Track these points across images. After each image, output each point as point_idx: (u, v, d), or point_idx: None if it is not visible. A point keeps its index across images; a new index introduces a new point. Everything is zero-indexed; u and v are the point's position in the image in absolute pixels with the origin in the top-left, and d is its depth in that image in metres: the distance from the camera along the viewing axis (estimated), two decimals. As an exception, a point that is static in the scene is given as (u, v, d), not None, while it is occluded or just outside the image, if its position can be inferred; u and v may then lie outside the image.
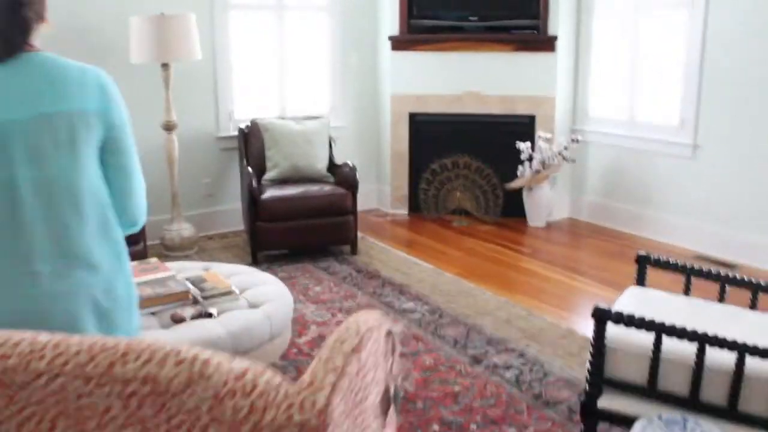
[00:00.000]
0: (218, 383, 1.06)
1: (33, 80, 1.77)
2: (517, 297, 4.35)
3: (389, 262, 5.00)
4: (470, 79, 5.97)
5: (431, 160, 6.03)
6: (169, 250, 5.25)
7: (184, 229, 5.28)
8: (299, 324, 3.98)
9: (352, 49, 6.17)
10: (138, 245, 4.62)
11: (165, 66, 5.01)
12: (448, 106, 6.04)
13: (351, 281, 4.64)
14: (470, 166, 5.94)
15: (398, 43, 5.99)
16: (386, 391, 1.54)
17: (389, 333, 1.54)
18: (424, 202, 6.08)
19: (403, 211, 6.27)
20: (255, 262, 5.02)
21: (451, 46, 5.95)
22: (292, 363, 3.55)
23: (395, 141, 6.23)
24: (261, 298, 3.22)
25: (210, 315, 3.04)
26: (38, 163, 1.72)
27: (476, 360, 3.52)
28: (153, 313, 3.06)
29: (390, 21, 6.05)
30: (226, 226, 5.75)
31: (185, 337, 2.80)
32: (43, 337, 1.18)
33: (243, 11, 5.74)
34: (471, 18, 5.91)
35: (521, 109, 5.93)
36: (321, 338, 3.78)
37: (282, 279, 4.66)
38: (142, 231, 4.65)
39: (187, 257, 5.17)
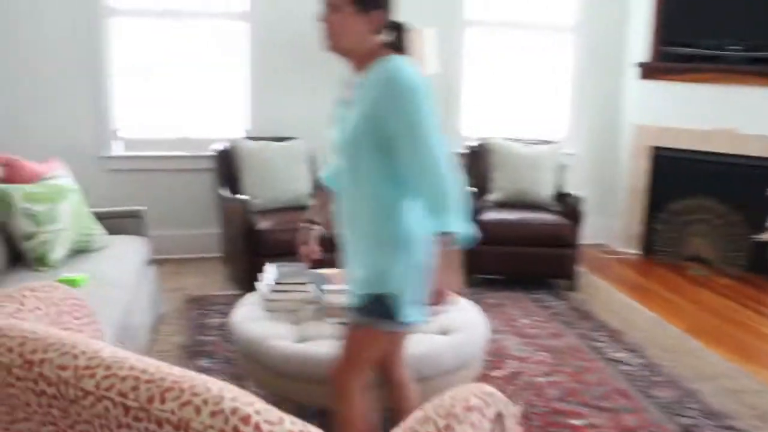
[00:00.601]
0: None
1: None
2: (752, 367, 3.79)
3: (609, 303, 4.61)
4: (725, 114, 5.37)
5: (671, 199, 5.51)
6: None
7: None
8: (497, 356, 3.76)
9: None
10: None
11: (400, 79, 5.03)
12: (696, 142, 5.48)
13: (562, 318, 4.33)
14: (715, 211, 5.33)
15: (647, 71, 5.55)
16: None
17: (499, 416, 1.30)
18: (658, 244, 5.56)
19: (633, 251, 5.79)
20: (467, 284, 4.88)
21: (707, 77, 5.39)
22: (481, 397, 3.34)
23: (632, 174, 5.78)
24: (453, 325, 3.06)
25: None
26: None
27: None
28: (343, 323, 3.02)
29: (638, 46, 5.63)
30: (444, 244, 5.64)
31: (369, 354, 2.71)
32: (104, 351, 1.11)
33: (481, 27, 5.63)
34: (732, 47, 5.31)
35: (784, 153, 5.23)
36: (516, 375, 3.54)
37: (489, 306, 4.48)
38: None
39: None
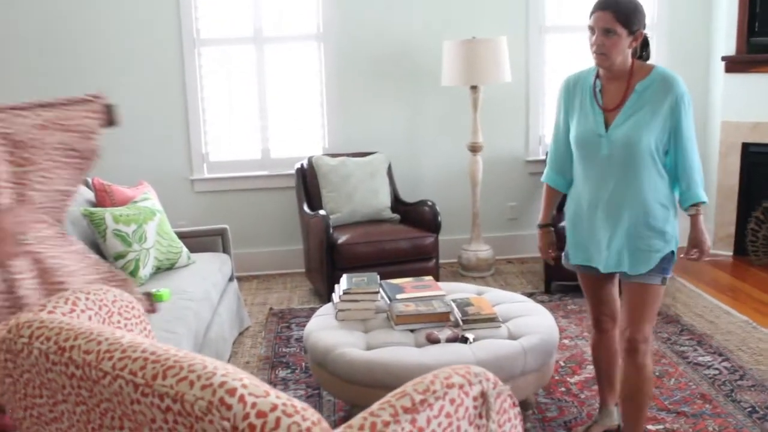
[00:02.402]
0: (238, 415, 0.99)
1: None
2: None
3: (695, 307, 4.46)
4: (820, 105, 5.12)
5: (765, 198, 5.28)
6: (466, 270, 5.28)
7: (482, 251, 5.27)
8: (576, 362, 3.72)
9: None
10: (430, 262, 4.71)
11: (474, 88, 5.06)
12: (791, 136, 5.24)
13: (646, 323, 4.21)
14: (813, 207, 5.08)
15: (732, 65, 5.35)
16: None
17: (483, 394, 1.31)
18: (753, 245, 5.32)
19: (726, 253, 5.56)
20: (548, 291, 4.83)
21: (799, 68, 5.16)
22: (556, 402, 3.32)
23: (723, 173, 5.56)
24: (524, 329, 3.06)
25: (466, 340, 2.97)
26: None
27: (774, 436, 2.96)
28: (411, 330, 3.08)
29: (725, 39, 5.43)
30: (527, 251, 5.61)
31: (434, 359, 2.76)
32: (125, 338, 1.22)
33: (558, 34, 5.58)
34: (826, 34, 5.06)
35: None
36: (594, 380, 3.48)
37: (570, 312, 4.43)
38: (436, 247, 4.74)
39: (482, 278, 5.16)
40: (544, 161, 5.38)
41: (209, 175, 5.43)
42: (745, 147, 5.44)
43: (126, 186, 4.10)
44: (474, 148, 5.18)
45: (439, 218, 4.82)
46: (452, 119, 5.43)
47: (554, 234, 2.94)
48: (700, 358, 3.71)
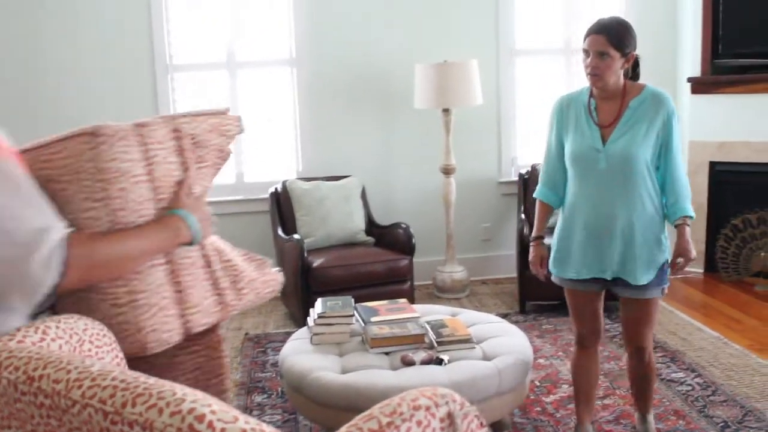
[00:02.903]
0: None
1: None
2: (820, 382, 3.65)
3: (668, 324, 4.51)
4: (784, 124, 5.24)
5: (733, 215, 5.37)
6: (441, 292, 5.31)
7: (456, 272, 5.31)
8: (551, 381, 3.74)
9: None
10: (405, 284, 4.73)
11: (446, 111, 5.12)
12: (757, 155, 5.35)
13: (619, 341, 4.25)
14: (780, 224, 5.18)
15: (698, 86, 5.47)
16: None
17: (449, 415, 1.33)
18: (723, 262, 5.41)
19: (697, 270, 5.64)
20: (522, 311, 4.87)
21: (763, 88, 5.27)
22: (532, 422, 3.34)
23: (693, 192, 5.51)
24: (498, 350, 3.08)
25: (441, 361, 2.98)
26: None
27: (746, 450, 3.00)
28: (386, 353, 3.09)
29: (691, 61, 5.56)
30: (502, 271, 5.65)
31: (409, 382, 2.76)
32: (94, 366, 1.23)
33: (528, 57, 5.68)
34: (786, 55, 5.20)
35: None
36: (569, 399, 3.51)
37: (545, 331, 4.47)
38: (410, 270, 4.77)
39: (457, 300, 5.19)
40: (516, 182, 5.48)
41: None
42: (713, 166, 5.54)
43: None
44: (447, 171, 5.23)
45: (414, 240, 4.85)
46: (425, 142, 5.48)
47: (546, 248, 2.97)
48: (674, 375, 3.75)
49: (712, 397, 3.49)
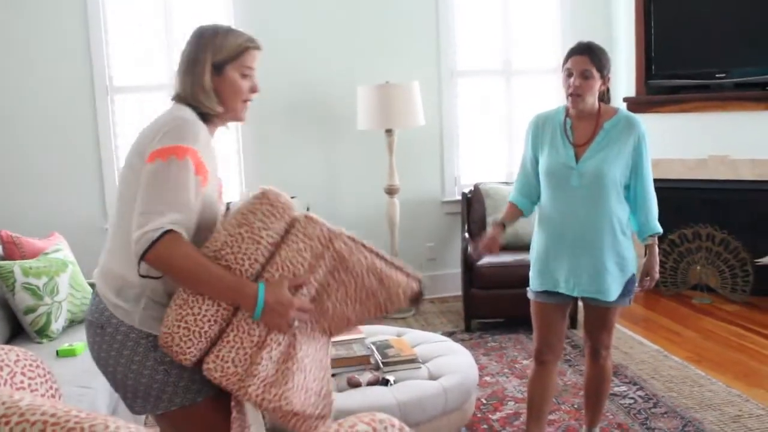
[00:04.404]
0: None
1: None
2: (756, 392, 3.75)
3: (610, 339, 4.59)
4: (716, 142, 5.42)
5: (670, 230, 5.51)
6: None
7: (402, 292, 5.30)
8: (497, 398, 3.77)
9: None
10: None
11: (389, 132, 5.16)
12: (691, 171, 5.52)
13: (563, 358, 4.32)
14: (714, 238, 5.33)
15: (634, 105, 5.62)
16: None
17: None
18: (661, 276, 5.53)
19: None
20: (468, 329, 4.90)
21: (695, 107, 5.46)
22: (479, 440, 3.35)
23: (630, 208, 5.78)
24: (444, 369, 3.10)
25: (387, 382, 2.98)
26: None
27: (687, 461, 3.06)
28: (333, 375, 3.06)
29: (626, 81, 5.72)
30: (448, 290, 5.69)
31: (356, 403, 2.75)
32: (24, 401, 1.20)
33: (469, 78, 5.76)
34: (718, 75, 5.39)
35: (777, 176, 5.24)
36: (515, 416, 3.54)
37: (491, 349, 4.50)
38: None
39: (403, 319, 5.19)
40: (459, 202, 5.53)
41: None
42: (649, 183, 5.68)
43: (36, 238, 3.97)
44: (390, 191, 5.26)
45: (359, 261, 4.84)
46: (368, 163, 5.50)
47: (503, 234, 2.97)
48: (617, 388, 3.82)
49: (653, 410, 3.57)
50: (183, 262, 1.81)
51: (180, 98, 2.04)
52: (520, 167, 3.05)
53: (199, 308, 1.86)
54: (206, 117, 2.04)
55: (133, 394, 1.97)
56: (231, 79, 2.06)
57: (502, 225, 3.00)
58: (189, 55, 2.05)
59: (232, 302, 1.90)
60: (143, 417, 3.72)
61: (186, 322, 1.84)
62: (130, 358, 1.92)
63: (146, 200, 1.83)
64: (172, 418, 1.98)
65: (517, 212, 3.04)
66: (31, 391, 1.43)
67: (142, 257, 1.79)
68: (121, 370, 1.94)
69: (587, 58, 2.76)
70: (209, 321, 1.87)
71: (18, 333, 3.54)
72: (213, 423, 2.00)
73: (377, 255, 2.07)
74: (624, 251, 2.84)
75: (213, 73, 2.03)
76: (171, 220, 1.81)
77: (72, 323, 3.66)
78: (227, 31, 2.08)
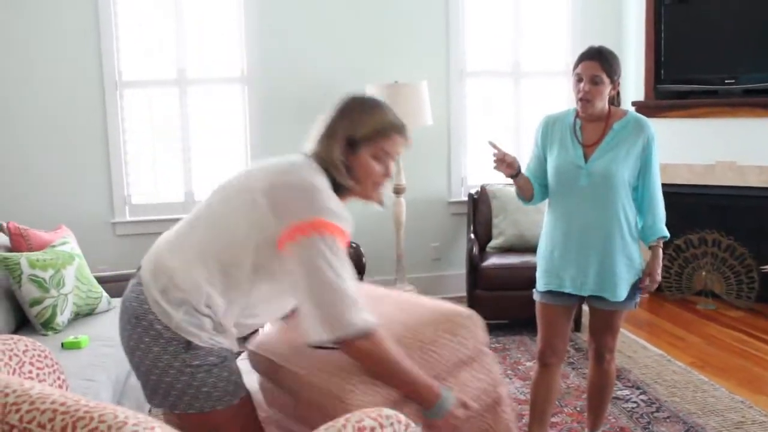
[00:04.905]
0: None
1: None
2: (759, 398, 3.75)
3: (613, 342, 4.59)
4: (724, 148, 5.42)
5: (676, 236, 5.49)
6: (391, 311, 5.31)
7: (407, 291, 5.32)
8: (500, 400, 3.76)
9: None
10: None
11: (397, 131, 5.15)
12: (698, 177, 5.51)
13: (566, 361, 4.32)
14: (720, 244, 5.33)
15: (642, 110, 5.59)
16: None
17: None
18: (666, 281, 5.54)
19: (642, 289, 5.76)
20: (472, 330, 4.90)
21: (703, 112, 5.46)
22: (481, 441, 3.35)
23: (637, 213, 5.78)
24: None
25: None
26: None
27: (689, 466, 3.06)
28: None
29: (635, 86, 5.71)
30: (452, 291, 5.68)
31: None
32: (34, 389, 1.20)
33: (478, 78, 5.77)
34: (727, 81, 5.39)
35: (785, 183, 5.24)
36: (519, 418, 3.54)
37: (494, 350, 4.48)
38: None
39: (407, 319, 5.19)
40: (465, 203, 5.54)
41: (131, 218, 5.34)
42: (656, 187, 5.67)
43: (44, 230, 3.99)
44: (397, 190, 5.26)
45: (364, 260, 4.85)
46: (376, 162, 5.50)
47: (520, 175, 2.93)
48: (619, 392, 3.81)
49: (656, 414, 3.56)
50: (384, 359, 1.88)
51: (316, 157, 2.02)
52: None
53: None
54: (339, 187, 2.01)
55: (153, 389, 1.97)
56: (363, 160, 2.00)
57: (520, 169, 2.92)
58: (328, 121, 2.03)
59: (413, 397, 1.96)
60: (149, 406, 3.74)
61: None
62: (158, 355, 1.92)
63: (324, 284, 1.83)
64: (188, 420, 1.97)
65: (529, 182, 2.97)
66: (39, 381, 1.44)
67: (340, 341, 1.85)
68: (147, 364, 1.94)
69: (597, 63, 2.76)
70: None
71: (23, 325, 3.56)
72: None
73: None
74: (632, 253, 2.85)
75: (347, 147, 1.99)
76: (367, 316, 1.86)
77: (77, 316, 3.68)
78: (373, 108, 2.03)
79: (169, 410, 1.99)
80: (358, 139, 1.98)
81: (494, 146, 2.91)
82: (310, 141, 2.06)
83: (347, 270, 1.88)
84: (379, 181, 2.03)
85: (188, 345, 1.91)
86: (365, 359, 1.89)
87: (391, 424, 1.34)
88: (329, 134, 2.00)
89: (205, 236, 1.98)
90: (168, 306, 1.92)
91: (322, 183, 1.94)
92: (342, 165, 1.97)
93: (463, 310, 2.17)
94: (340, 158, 1.97)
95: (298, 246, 1.84)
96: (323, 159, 2.00)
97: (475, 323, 2.14)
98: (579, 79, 2.79)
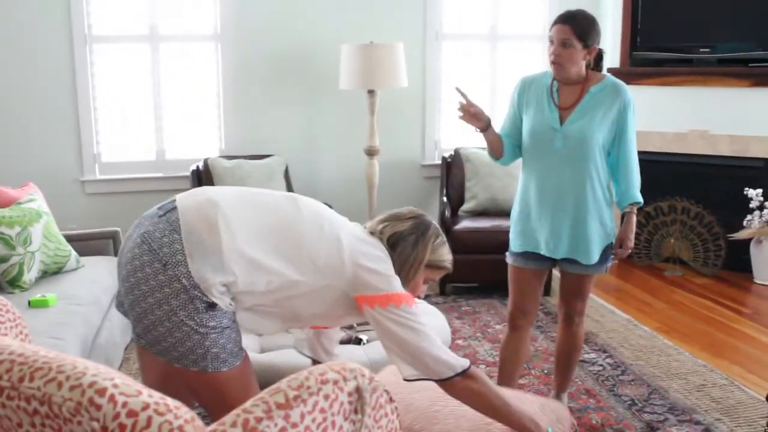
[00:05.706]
0: (108, 415, 0.99)
1: None
2: (720, 362, 3.83)
3: (582, 307, 4.65)
4: (696, 116, 5.46)
5: (646, 203, 5.53)
6: (363, 273, 5.32)
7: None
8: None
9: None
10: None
11: (371, 93, 5.12)
12: (670, 145, 5.56)
13: (535, 324, 4.37)
14: (689, 212, 5.39)
15: (618, 76, 5.55)
16: None
17: (358, 390, 1.36)
18: (635, 248, 5.59)
19: (611, 255, 5.83)
20: (443, 292, 4.94)
21: (677, 81, 5.48)
22: (448, 402, 3.39)
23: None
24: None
25: (360, 341, 3.01)
26: None
27: (651, 427, 3.13)
28: (306, 333, 3.08)
29: (610, 53, 5.70)
30: (424, 254, 5.70)
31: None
32: (14, 347, 1.19)
33: (454, 41, 5.73)
34: (702, 50, 5.40)
35: (755, 152, 5.29)
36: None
37: (464, 313, 4.55)
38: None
39: (379, 282, 5.21)
40: (438, 166, 5.53)
41: (101, 176, 5.27)
42: (629, 154, 5.71)
43: (11, 187, 3.92)
44: (371, 152, 5.24)
45: (337, 221, 4.84)
46: (350, 123, 5.48)
47: (488, 128, 2.94)
48: (586, 356, 3.88)
49: (621, 377, 3.63)
50: (485, 393, 2.12)
51: (387, 242, 2.23)
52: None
53: None
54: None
55: (154, 340, 1.95)
56: (419, 279, 2.27)
57: (489, 124, 2.94)
58: (411, 239, 2.23)
59: (517, 427, 2.14)
60: (120, 358, 3.73)
61: None
62: (174, 310, 1.90)
63: (414, 340, 2.09)
64: (188, 375, 1.97)
65: (499, 139, 2.97)
66: (2, 335, 1.43)
67: (443, 382, 2.09)
68: (156, 315, 1.91)
69: (569, 27, 2.74)
70: None
71: (-10, 282, 3.51)
72: (228, 394, 1.99)
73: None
74: (604, 217, 2.87)
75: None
76: (460, 358, 2.12)
77: (45, 274, 3.64)
78: (443, 244, 2.30)
79: (170, 364, 1.97)
80: (426, 264, 2.25)
81: (461, 93, 2.91)
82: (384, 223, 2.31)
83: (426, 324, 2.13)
84: (418, 294, 2.31)
85: (210, 306, 1.92)
86: (471, 397, 2.10)
87: (355, 377, 1.35)
88: (408, 255, 2.21)
89: (280, 238, 2.06)
90: (208, 269, 1.91)
91: (389, 269, 2.18)
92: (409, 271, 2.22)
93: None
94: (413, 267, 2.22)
95: (387, 313, 2.10)
96: (399, 256, 2.21)
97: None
98: (551, 42, 2.78)
